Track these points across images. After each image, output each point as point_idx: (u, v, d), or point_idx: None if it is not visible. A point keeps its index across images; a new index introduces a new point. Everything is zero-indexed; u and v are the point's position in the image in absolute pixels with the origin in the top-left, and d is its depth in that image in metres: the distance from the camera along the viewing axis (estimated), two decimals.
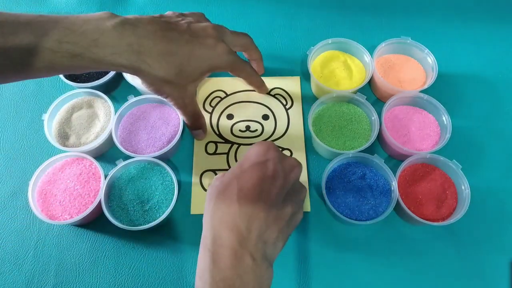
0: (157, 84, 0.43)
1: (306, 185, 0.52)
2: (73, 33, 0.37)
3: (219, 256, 0.33)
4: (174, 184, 0.49)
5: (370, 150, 0.54)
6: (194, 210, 0.51)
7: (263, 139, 0.55)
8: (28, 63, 0.36)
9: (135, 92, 0.57)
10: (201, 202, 0.51)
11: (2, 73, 0.37)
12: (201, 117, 0.51)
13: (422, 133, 0.54)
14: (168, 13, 0.46)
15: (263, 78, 0.57)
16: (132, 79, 0.56)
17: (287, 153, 0.54)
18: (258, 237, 0.34)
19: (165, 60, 0.41)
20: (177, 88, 0.44)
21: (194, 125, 0.51)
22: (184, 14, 0.47)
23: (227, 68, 0.47)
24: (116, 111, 0.53)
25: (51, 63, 0.37)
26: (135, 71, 0.41)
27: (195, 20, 0.46)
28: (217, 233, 0.34)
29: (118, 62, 0.39)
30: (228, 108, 0.58)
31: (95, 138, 0.52)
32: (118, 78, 0.59)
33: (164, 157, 0.52)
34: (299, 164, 0.39)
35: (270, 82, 0.59)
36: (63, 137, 0.53)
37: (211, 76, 0.60)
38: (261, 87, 0.57)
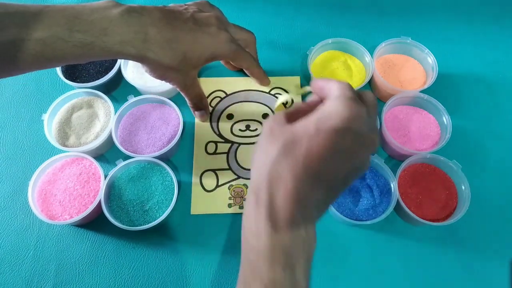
0: (161, 70, 0.44)
1: None
2: (82, 22, 0.37)
3: (277, 219, 0.30)
4: (174, 184, 0.49)
5: None
6: (194, 210, 0.51)
7: None
8: (41, 54, 0.37)
9: (135, 92, 0.57)
10: (201, 202, 0.51)
11: (16, 65, 0.37)
12: (203, 98, 0.52)
13: (422, 133, 0.54)
14: (171, 4, 0.47)
15: None
16: (132, 79, 0.56)
17: None
18: (316, 208, 0.31)
19: (170, 47, 0.42)
20: (180, 73, 0.45)
21: (197, 106, 0.53)
22: (187, 4, 0.48)
23: (229, 55, 0.47)
24: (116, 111, 0.53)
25: (63, 53, 0.37)
26: (141, 59, 0.42)
27: (199, 9, 0.47)
28: (275, 192, 0.30)
29: (126, 50, 0.40)
30: (228, 108, 0.58)
31: (95, 138, 0.52)
32: (118, 78, 0.59)
33: (164, 157, 0.52)
34: (378, 143, 0.35)
35: (270, 82, 0.59)
36: (63, 137, 0.53)
37: (211, 76, 0.60)
38: (263, 79, 0.56)
